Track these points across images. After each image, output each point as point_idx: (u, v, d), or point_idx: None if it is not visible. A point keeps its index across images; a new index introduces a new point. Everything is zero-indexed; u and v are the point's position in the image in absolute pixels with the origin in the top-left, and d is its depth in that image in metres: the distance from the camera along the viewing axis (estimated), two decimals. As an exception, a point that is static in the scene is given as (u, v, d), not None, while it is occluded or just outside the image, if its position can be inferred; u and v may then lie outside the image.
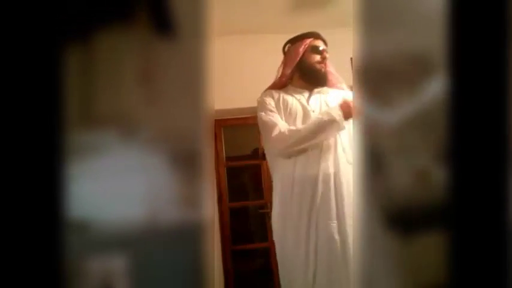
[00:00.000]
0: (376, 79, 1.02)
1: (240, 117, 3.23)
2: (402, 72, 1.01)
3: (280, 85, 1.81)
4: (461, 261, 0.85)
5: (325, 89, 1.76)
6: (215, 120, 3.28)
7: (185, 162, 0.97)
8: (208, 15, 0.99)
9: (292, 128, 1.61)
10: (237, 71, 3.07)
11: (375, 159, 1.02)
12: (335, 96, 1.74)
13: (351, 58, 3.10)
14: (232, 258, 3.15)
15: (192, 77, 0.98)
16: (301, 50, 1.74)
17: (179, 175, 0.97)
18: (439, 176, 0.92)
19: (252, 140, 3.31)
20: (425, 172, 0.98)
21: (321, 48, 1.73)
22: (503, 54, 0.84)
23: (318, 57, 1.72)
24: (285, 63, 1.81)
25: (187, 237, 0.96)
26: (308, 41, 1.75)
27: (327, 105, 1.68)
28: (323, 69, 1.72)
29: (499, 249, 0.83)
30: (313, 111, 1.66)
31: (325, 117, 1.56)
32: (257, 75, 3.09)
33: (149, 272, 0.94)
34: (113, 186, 0.93)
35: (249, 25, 3.05)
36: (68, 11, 0.87)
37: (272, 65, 3.08)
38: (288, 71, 1.77)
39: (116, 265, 0.92)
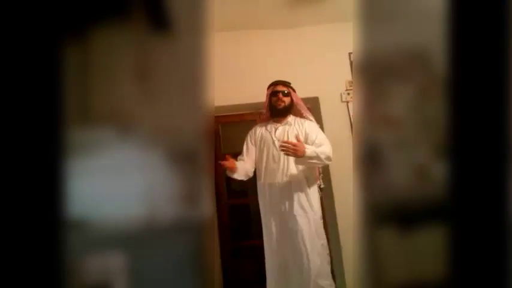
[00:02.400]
0: (375, 74, 1.02)
1: (237, 114, 3.22)
2: (402, 67, 1.01)
3: (264, 120, 2.54)
4: (460, 255, 0.85)
5: (290, 122, 2.42)
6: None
7: (184, 159, 0.97)
8: (206, 12, 0.98)
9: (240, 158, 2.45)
10: (234, 67, 3.06)
11: (373, 155, 1.02)
12: (296, 127, 2.39)
13: (349, 53, 3.10)
14: (232, 255, 3.16)
15: (190, 74, 0.98)
16: (267, 95, 2.46)
17: (178, 172, 0.96)
18: (437, 171, 0.91)
19: (250, 136, 3.30)
20: (424, 168, 0.98)
21: (277, 92, 2.40)
22: (504, 50, 0.84)
23: (275, 99, 2.40)
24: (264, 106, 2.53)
25: (185, 234, 0.96)
26: (271, 88, 2.45)
27: (288, 135, 2.34)
28: (279, 107, 2.39)
29: (499, 243, 0.83)
30: (278, 140, 2.31)
31: None
32: (254, 71, 3.08)
33: (148, 269, 0.94)
34: (110, 183, 0.92)
35: (246, 21, 3.03)
36: (65, 8, 0.86)
37: (269, 60, 3.08)
38: (265, 111, 2.52)
39: (115, 263, 0.92)
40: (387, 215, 0.99)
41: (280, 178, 2.30)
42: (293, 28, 3.14)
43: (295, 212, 2.21)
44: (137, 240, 0.93)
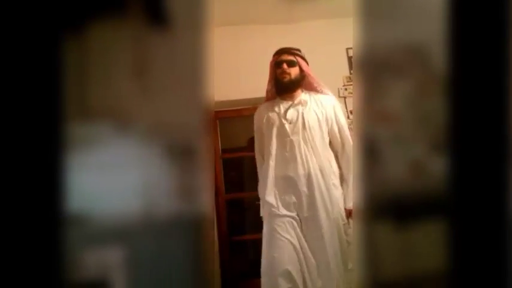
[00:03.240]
0: (374, 69, 1.02)
1: (235, 109, 3.22)
2: (400, 62, 1.01)
3: (269, 98, 2.08)
4: (459, 250, 0.86)
5: (304, 100, 1.97)
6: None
7: (182, 154, 0.97)
8: (205, 7, 0.98)
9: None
10: (232, 62, 3.06)
11: (371, 150, 1.02)
12: (313, 107, 1.96)
13: (347, 48, 3.10)
14: (230, 249, 3.17)
15: (188, 69, 0.98)
16: (271, 67, 2.03)
17: (176, 167, 0.96)
18: (435, 166, 0.92)
19: (248, 131, 3.30)
20: (421, 163, 0.98)
21: (281, 63, 1.95)
22: (503, 46, 0.84)
23: (279, 71, 1.95)
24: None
25: (184, 229, 0.96)
26: (274, 58, 2.01)
27: (303, 117, 1.90)
28: (285, 80, 1.93)
29: (498, 238, 0.84)
30: (290, 123, 1.90)
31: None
32: (252, 66, 3.07)
33: (146, 263, 0.94)
34: (108, 179, 0.92)
35: (245, 16, 3.02)
36: (63, 4, 0.86)
37: (267, 56, 3.07)
38: (269, 87, 2.07)
39: (113, 257, 0.92)
40: (384, 209, 1.00)
41: (295, 171, 1.85)
42: (291, 23, 3.14)
43: (318, 214, 1.80)
44: (135, 235, 0.94)
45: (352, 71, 3.02)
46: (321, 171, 1.86)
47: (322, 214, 1.80)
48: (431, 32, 0.91)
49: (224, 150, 3.42)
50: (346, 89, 3.04)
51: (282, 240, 1.79)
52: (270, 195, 1.88)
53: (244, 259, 3.55)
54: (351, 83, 2.98)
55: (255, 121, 2.09)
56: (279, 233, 1.81)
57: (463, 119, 0.87)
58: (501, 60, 0.85)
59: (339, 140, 1.97)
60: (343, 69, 3.08)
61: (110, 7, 0.93)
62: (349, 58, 3.08)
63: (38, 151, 0.82)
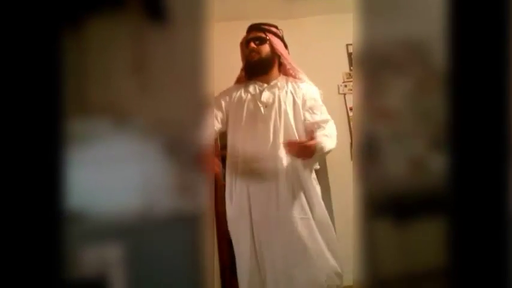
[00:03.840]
0: (374, 66, 1.02)
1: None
2: (401, 59, 1.01)
3: (241, 80, 1.83)
4: (459, 248, 0.86)
5: (282, 83, 1.73)
6: (210, 108, 3.25)
7: (180, 151, 0.97)
8: (205, 2, 0.97)
9: None
10: (231, 57, 3.05)
11: (371, 147, 1.02)
12: (290, 90, 1.73)
13: (347, 44, 3.08)
14: (229, 246, 3.18)
15: (187, 65, 0.97)
16: (241, 46, 1.78)
17: (174, 164, 0.96)
18: (434, 163, 0.92)
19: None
20: (421, 160, 0.98)
21: (250, 41, 1.71)
22: (503, 43, 0.84)
23: (247, 51, 1.72)
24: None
25: (183, 226, 0.96)
26: (244, 37, 1.78)
27: (279, 100, 1.66)
28: (252, 60, 1.69)
29: (498, 237, 0.84)
30: (266, 107, 1.66)
31: None
32: (252, 62, 3.06)
33: (145, 260, 0.94)
34: (107, 175, 0.92)
35: (244, 11, 3.00)
36: (61, 0, 0.86)
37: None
38: (241, 69, 1.82)
39: (112, 254, 0.92)
40: (384, 206, 1.00)
41: (268, 163, 1.57)
42: (291, 19, 3.12)
43: (293, 215, 1.56)
44: (135, 231, 0.93)
45: (352, 68, 3.01)
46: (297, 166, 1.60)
47: (298, 216, 1.58)
48: (431, 29, 0.91)
49: (223, 147, 3.41)
50: (346, 86, 3.03)
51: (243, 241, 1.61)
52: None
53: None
54: (351, 79, 2.97)
55: (223, 96, 1.76)
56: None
57: (463, 117, 0.87)
58: (501, 57, 0.85)
59: (322, 119, 1.68)
60: (343, 65, 3.07)
61: (109, 3, 0.92)
62: (349, 54, 3.07)
63: (37, 148, 0.82)
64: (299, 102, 1.69)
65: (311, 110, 1.70)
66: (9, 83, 0.80)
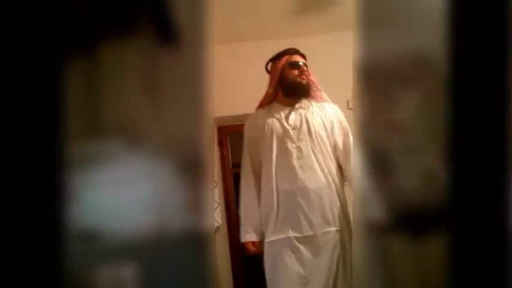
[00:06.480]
0: (379, 81, 1.02)
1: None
2: (403, 73, 1.01)
3: (266, 103, 1.89)
4: (462, 263, 0.84)
5: (306, 104, 1.79)
6: (220, 127, 3.28)
7: (190, 169, 0.97)
8: (209, 24, 0.99)
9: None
10: (241, 77, 3.08)
11: (381, 161, 1.01)
12: (316, 111, 1.80)
13: (355, 60, 3.10)
14: (242, 262, 3.14)
15: (195, 85, 0.99)
16: (280, 67, 1.80)
17: (185, 182, 0.97)
18: (445, 177, 0.91)
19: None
20: (433, 173, 0.97)
21: (299, 63, 1.79)
22: (504, 53, 0.84)
23: (296, 72, 1.77)
24: (269, 82, 1.88)
25: (195, 244, 0.96)
26: (285, 58, 1.82)
27: (307, 121, 1.72)
28: (304, 81, 1.77)
29: (500, 253, 0.82)
30: (294, 129, 1.71)
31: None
32: (262, 81, 3.09)
33: (159, 280, 0.94)
34: (120, 195, 0.93)
35: (253, 32, 3.06)
36: (72, 23, 0.88)
37: (276, 70, 3.10)
38: (271, 90, 1.85)
39: (126, 274, 0.92)
40: (398, 222, 0.99)
41: (300, 182, 1.62)
42: (299, 37, 3.16)
43: (326, 230, 1.61)
44: (148, 251, 0.94)
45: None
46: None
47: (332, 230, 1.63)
48: (435, 40, 0.91)
49: (235, 165, 3.42)
50: (355, 101, 3.03)
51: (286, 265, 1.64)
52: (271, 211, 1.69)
53: (257, 271, 3.51)
54: (360, 94, 2.97)
55: (248, 130, 1.86)
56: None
57: (468, 128, 0.86)
58: (504, 66, 0.85)
59: (342, 148, 1.76)
60: (352, 81, 3.07)
61: (122, 27, 0.95)
62: (357, 70, 3.07)
63: (47, 170, 0.83)
64: (324, 120, 1.76)
65: (334, 129, 1.77)
66: (21, 106, 0.82)
